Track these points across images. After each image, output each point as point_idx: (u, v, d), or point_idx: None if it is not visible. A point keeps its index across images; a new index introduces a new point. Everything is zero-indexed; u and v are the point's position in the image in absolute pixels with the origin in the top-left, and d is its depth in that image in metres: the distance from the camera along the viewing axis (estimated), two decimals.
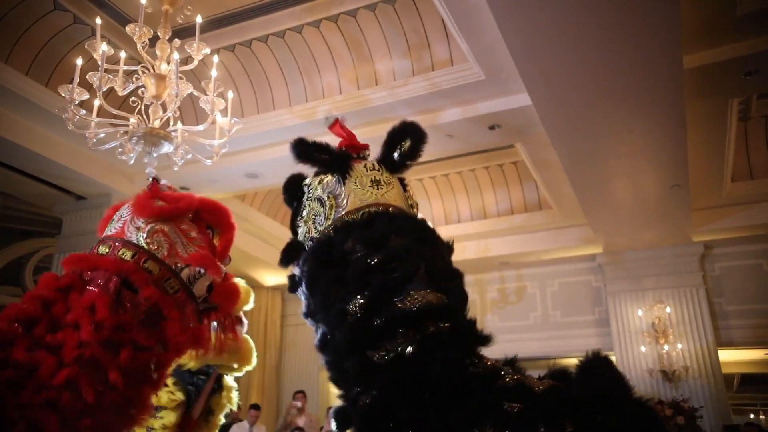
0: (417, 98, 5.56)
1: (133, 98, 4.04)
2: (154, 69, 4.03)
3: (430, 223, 2.00)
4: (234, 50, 6.07)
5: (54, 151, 5.97)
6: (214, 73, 3.99)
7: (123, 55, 4.02)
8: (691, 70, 4.95)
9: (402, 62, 5.69)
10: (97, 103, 3.94)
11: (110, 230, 2.04)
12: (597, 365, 1.40)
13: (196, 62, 4.11)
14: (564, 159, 6.10)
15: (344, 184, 1.84)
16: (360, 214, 1.76)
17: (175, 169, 4.42)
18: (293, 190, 1.97)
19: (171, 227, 1.94)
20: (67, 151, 6.13)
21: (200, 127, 4.03)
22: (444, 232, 7.05)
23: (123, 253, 1.86)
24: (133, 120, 4.00)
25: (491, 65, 5.10)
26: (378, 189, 1.85)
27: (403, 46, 5.66)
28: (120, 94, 4.11)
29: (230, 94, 4.27)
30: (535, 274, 10.28)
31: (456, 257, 7.42)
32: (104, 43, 3.74)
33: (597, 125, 5.30)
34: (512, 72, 4.91)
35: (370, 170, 1.89)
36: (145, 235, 1.90)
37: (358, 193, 1.82)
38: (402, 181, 2.01)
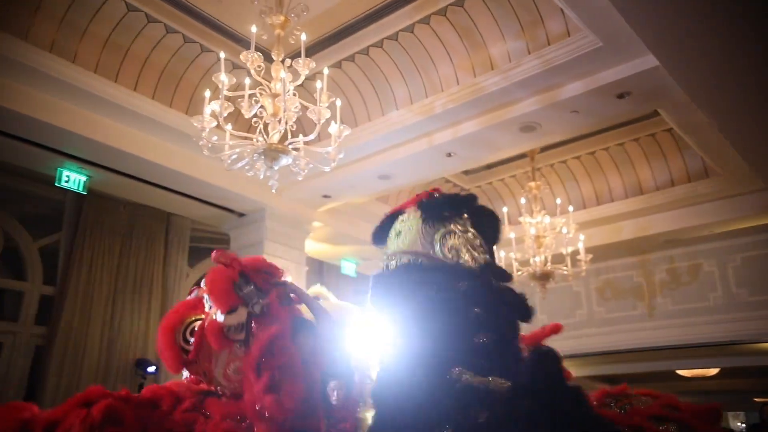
0: (532, 78, 5.36)
1: (255, 119, 4.46)
2: (270, 90, 4.42)
3: None
4: (354, 59, 6.37)
5: (213, 176, 6.75)
6: (319, 84, 4.27)
7: (247, 81, 4.48)
8: None
9: (516, 43, 5.54)
10: (229, 127, 4.43)
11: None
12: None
13: (302, 78, 4.41)
14: (715, 119, 5.45)
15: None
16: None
17: (299, 178, 4.77)
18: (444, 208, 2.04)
19: None
20: (225, 175, 6.86)
21: (310, 137, 4.33)
22: (596, 213, 6.82)
23: None
24: (258, 139, 4.41)
25: (607, 30, 4.74)
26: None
27: (516, 25, 5.50)
28: (246, 116, 4.57)
29: (338, 102, 4.50)
30: (711, 249, 9.23)
31: (612, 239, 7.14)
32: (224, 74, 4.19)
33: (743, 75, 4.66)
34: (632, 33, 4.53)
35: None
36: None
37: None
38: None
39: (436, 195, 2.13)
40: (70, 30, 5.34)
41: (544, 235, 7.48)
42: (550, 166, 8.96)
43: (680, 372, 12.18)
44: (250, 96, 4.40)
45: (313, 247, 8.90)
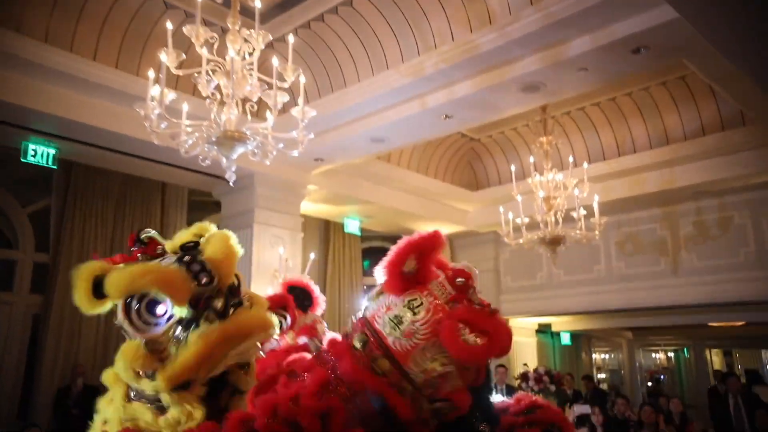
0: (533, 34, 4.64)
1: (209, 99, 3.94)
2: (223, 67, 3.88)
3: None
4: (337, 11, 5.69)
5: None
6: (275, 61, 3.71)
7: (205, 53, 3.94)
8: None
9: None
10: (185, 107, 3.94)
11: None
12: None
13: (257, 53, 3.85)
14: (746, 68, 4.69)
15: None
16: None
17: (267, 162, 4.29)
18: None
19: None
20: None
21: (268, 123, 3.81)
22: (617, 165, 6.16)
23: None
24: (216, 122, 3.91)
25: None
26: None
27: None
28: (204, 94, 4.06)
29: (302, 79, 3.95)
30: (744, 200, 8.51)
31: (634, 191, 6.49)
32: (165, 53, 3.66)
33: None
34: None
35: None
36: None
37: None
38: None
39: None
40: None
41: (555, 195, 6.89)
42: (566, 114, 8.22)
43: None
44: (208, 72, 3.88)
45: (314, 207, 8.50)
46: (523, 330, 10.47)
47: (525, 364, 8.27)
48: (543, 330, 11.51)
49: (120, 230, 7.96)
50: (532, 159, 6.90)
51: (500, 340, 1.56)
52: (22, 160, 5.67)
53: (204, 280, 1.70)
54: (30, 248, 7.56)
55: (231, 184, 4.09)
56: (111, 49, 5.42)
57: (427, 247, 1.65)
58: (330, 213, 8.95)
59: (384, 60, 5.72)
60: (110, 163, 7.02)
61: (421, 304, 1.65)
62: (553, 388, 7.10)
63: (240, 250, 1.88)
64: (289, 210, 7.36)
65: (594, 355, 15.48)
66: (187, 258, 1.75)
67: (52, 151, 5.81)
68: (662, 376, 17.12)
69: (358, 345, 1.66)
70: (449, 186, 9.13)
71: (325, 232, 9.86)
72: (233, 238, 1.88)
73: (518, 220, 6.83)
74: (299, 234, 7.52)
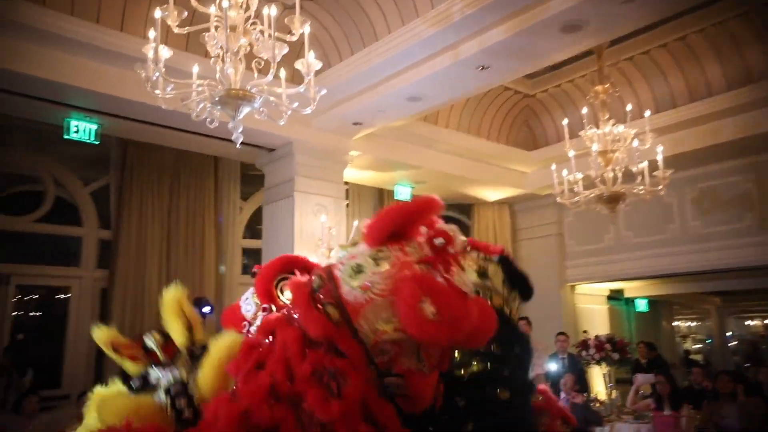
0: None
1: (213, 58, 3.81)
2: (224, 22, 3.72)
3: None
4: None
5: None
6: (266, 11, 3.51)
7: (213, 10, 3.81)
8: None
9: None
10: (196, 69, 3.85)
11: None
12: None
13: (255, 4, 3.66)
14: None
15: None
16: None
17: (281, 123, 4.13)
18: None
19: None
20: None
21: (267, 79, 3.63)
22: (687, 113, 6.01)
23: None
24: (222, 82, 3.78)
25: None
26: None
27: None
28: (212, 54, 3.94)
29: (307, 29, 3.73)
30: None
31: (708, 141, 5.92)
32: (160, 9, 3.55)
33: None
34: None
35: None
36: None
37: None
38: None
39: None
40: None
41: (613, 149, 6.31)
42: (628, 60, 7.51)
43: None
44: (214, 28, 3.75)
45: (362, 175, 8.32)
46: (591, 297, 9.90)
47: (585, 331, 7.78)
48: (616, 297, 10.84)
49: (176, 205, 8.16)
50: (585, 110, 6.34)
51: (456, 323, 1.28)
52: (65, 137, 5.85)
53: (185, 416, 1.53)
54: (93, 225, 7.90)
55: (238, 145, 3.97)
56: (138, 19, 5.42)
57: (420, 213, 1.45)
58: (380, 180, 8.74)
59: (413, 7, 5.36)
60: (163, 139, 7.13)
61: (388, 257, 1.43)
62: (616, 356, 6.61)
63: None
64: (332, 177, 7.22)
65: (677, 323, 14.48)
66: (174, 391, 1.58)
67: (93, 127, 5.95)
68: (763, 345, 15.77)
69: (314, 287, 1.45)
70: (504, 147, 8.66)
71: (379, 200, 9.69)
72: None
73: (571, 178, 6.34)
74: (343, 202, 7.38)
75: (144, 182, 7.90)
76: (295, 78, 4.52)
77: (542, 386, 2.65)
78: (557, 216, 9.62)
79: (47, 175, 7.66)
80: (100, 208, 7.96)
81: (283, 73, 4.03)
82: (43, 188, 7.67)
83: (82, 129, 5.88)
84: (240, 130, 3.81)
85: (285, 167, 7.05)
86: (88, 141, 5.97)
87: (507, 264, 1.59)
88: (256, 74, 3.85)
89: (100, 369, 7.44)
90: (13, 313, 7.28)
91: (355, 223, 7.19)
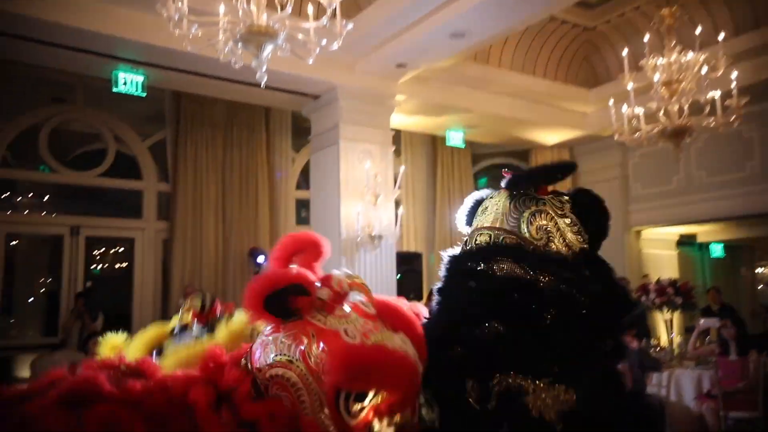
0: None
1: None
2: None
3: None
4: None
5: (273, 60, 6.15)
6: None
7: None
8: None
9: None
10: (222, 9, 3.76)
11: None
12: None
13: None
14: None
15: None
16: None
17: (310, 62, 4.01)
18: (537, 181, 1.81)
19: None
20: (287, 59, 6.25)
21: (287, 11, 3.49)
22: None
23: None
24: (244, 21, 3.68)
25: None
26: None
27: None
28: None
29: None
30: None
31: None
32: None
33: None
34: None
35: None
36: None
37: None
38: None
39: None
40: None
41: (679, 78, 5.79)
42: None
43: None
44: None
45: (411, 121, 8.10)
46: (659, 242, 9.36)
47: (645, 275, 7.37)
48: (688, 242, 10.21)
49: (230, 158, 8.30)
50: (647, 38, 5.82)
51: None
52: (114, 89, 5.98)
53: None
54: (153, 178, 8.18)
55: (262, 85, 3.89)
56: None
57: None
58: (430, 126, 8.48)
59: None
60: (214, 90, 7.16)
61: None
62: (679, 300, 6.22)
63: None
64: (378, 123, 7.06)
65: (760, 270, 13.52)
66: None
67: (140, 79, 6.05)
68: None
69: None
70: (562, 85, 8.17)
71: (432, 147, 9.47)
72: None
73: (634, 112, 5.88)
74: (390, 148, 7.22)
75: (198, 136, 8.06)
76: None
77: None
78: (621, 158, 9.07)
79: (107, 131, 7.95)
80: (159, 161, 8.21)
81: (310, 9, 3.91)
82: (105, 145, 7.98)
83: (129, 81, 5.99)
84: (264, 69, 3.72)
85: (330, 114, 6.95)
86: (135, 93, 6.07)
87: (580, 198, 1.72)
88: (279, 10, 3.72)
89: (166, 313, 7.82)
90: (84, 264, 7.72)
91: (402, 168, 7.04)
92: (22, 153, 7.79)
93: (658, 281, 6.50)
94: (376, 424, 1.46)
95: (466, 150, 9.47)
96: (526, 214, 1.70)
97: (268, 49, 3.69)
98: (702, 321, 6.00)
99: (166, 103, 8.11)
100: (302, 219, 8.76)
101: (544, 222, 1.69)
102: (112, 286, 8.37)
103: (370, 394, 1.48)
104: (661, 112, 5.85)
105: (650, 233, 9.20)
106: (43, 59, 6.08)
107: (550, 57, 8.06)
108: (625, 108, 6.02)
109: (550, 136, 9.05)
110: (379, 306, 1.55)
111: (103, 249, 8.59)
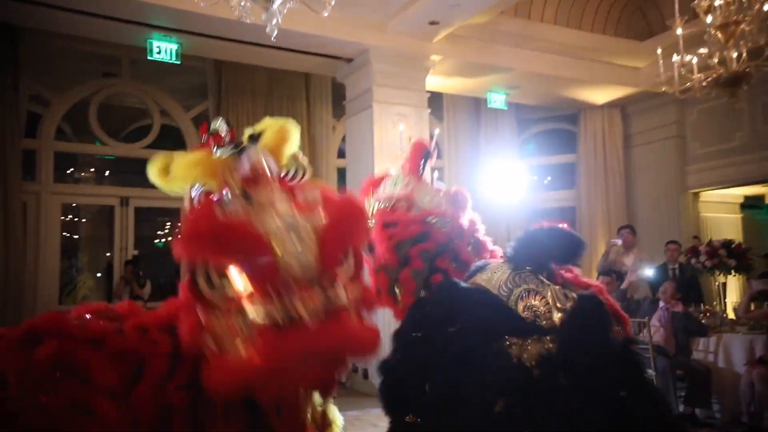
0: None
1: None
2: None
3: None
4: None
5: (305, 24, 6.05)
6: None
7: None
8: None
9: None
10: None
11: None
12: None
13: None
14: None
15: None
16: None
17: (325, 14, 3.90)
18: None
19: None
20: (316, 21, 6.12)
21: None
22: None
23: None
24: None
25: None
26: None
27: None
28: None
29: None
30: None
31: None
32: None
33: None
34: None
35: None
36: None
37: None
38: None
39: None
40: None
41: (738, 19, 5.30)
42: None
43: None
44: None
45: (449, 83, 7.85)
46: (720, 205, 8.75)
47: (695, 237, 6.91)
48: (754, 205, 9.52)
49: None
50: None
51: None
52: (149, 57, 6.07)
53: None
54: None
55: (273, 39, 3.80)
56: None
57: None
58: (470, 88, 8.19)
59: None
60: (252, 58, 7.17)
61: None
62: (733, 262, 5.80)
63: (295, 140, 2.32)
64: (413, 86, 6.88)
65: None
66: (241, 147, 2.16)
67: (174, 47, 6.11)
68: None
69: None
70: (612, 39, 7.69)
71: (476, 110, 9.19)
72: (290, 128, 2.35)
73: (687, 59, 5.46)
74: (425, 111, 7.03)
75: (240, 106, 8.12)
76: None
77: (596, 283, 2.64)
78: (678, 116, 8.49)
79: (152, 103, 8.14)
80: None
81: None
82: (150, 118, 8.18)
83: (164, 49, 6.06)
84: (274, 22, 3.64)
85: (363, 77, 6.83)
86: (170, 61, 6.15)
87: None
88: None
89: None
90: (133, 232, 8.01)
91: (436, 131, 6.82)
92: (77, 127, 8.15)
93: (710, 242, 6.09)
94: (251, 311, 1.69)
95: (510, 113, 9.14)
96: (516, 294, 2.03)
97: (278, 1, 3.60)
98: (754, 282, 5.59)
99: (207, 74, 8.21)
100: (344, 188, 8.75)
101: (533, 302, 2.00)
102: (160, 255, 8.67)
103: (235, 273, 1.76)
104: (715, 58, 5.42)
105: (710, 195, 8.62)
106: (81, 29, 6.22)
107: (598, 8, 7.59)
108: (675, 57, 5.60)
109: (599, 95, 8.58)
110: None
111: (151, 217, 8.89)
